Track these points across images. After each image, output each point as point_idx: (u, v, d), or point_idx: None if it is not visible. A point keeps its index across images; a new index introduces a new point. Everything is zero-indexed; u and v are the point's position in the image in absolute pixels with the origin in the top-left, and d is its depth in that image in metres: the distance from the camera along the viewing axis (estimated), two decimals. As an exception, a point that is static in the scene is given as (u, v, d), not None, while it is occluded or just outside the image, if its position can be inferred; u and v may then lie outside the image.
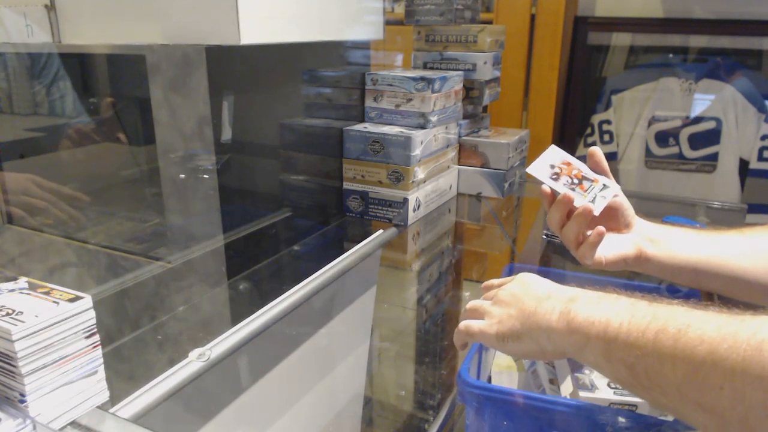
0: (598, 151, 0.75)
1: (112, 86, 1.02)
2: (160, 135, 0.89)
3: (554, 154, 0.77)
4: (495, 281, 0.68)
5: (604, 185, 0.74)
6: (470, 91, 1.24)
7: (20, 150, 1.05)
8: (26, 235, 1.00)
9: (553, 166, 0.76)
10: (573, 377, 0.75)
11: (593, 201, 0.72)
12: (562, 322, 0.53)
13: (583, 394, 0.72)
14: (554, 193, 0.74)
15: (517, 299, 0.59)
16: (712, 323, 0.43)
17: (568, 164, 0.76)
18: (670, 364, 0.44)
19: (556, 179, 0.75)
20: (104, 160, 1.05)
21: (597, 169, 0.75)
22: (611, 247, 0.72)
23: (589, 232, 0.72)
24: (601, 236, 0.70)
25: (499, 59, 1.30)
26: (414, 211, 1.06)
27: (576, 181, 0.74)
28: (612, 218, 0.73)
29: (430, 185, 1.11)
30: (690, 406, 0.44)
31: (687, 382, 0.43)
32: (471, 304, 0.65)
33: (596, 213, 0.71)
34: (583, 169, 0.76)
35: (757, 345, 0.40)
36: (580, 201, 0.72)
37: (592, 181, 0.74)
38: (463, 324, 0.63)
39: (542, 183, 0.75)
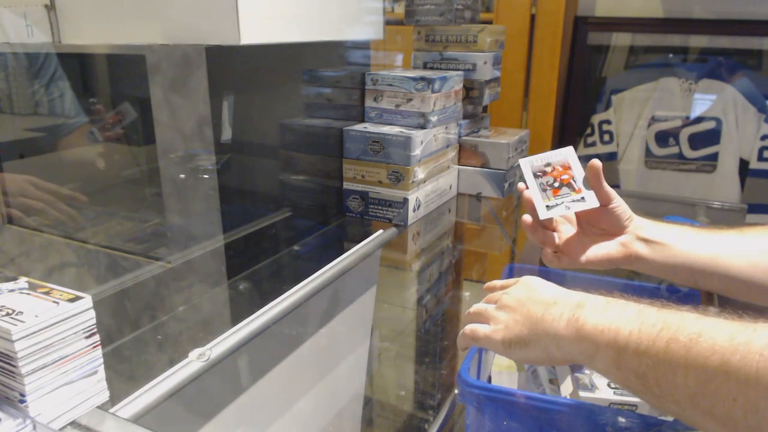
0: (596, 166, 0.72)
1: (112, 86, 1.02)
2: (160, 135, 0.89)
3: (560, 155, 0.77)
4: (497, 283, 0.68)
5: (582, 198, 0.73)
6: (470, 91, 1.24)
7: (20, 150, 1.05)
8: (26, 235, 1.00)
9: (548, 165, 0.76)
10: (573, 377, 0.76)
11: (553, 207, 0.73)
12: (570, 329, 0.53)
13: (583, 394, 0.72)
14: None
15: (523, 304, 0.59)
16: (724, 332, 0.43)
17: (565, 168, 0.76)
18: (683, 374, 0.44)
19: (538, 177, 0.75)
20: (104, 160, 1.05)
21: (591, 181, 0.73)
22: (595, 247, 0.73)
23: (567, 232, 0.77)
24: (552, 252, 0.75)
25: (499, 59, 1.30)
26: (414, 211, 1.06)
27: (556, 185, 0.74)
28: (607, 222, 0.74)
29: (430, 185, 1.11)
30: (702, 414, 0.44)
31: (699, 391, 0.43)
32: (475, 307, 0.65)
33: (542, 217, 0.73)
34: (577, 178, 0.75)
35: None
36: (539, 204, 0.74)
37: (574, 190, 0.74)
38: (469, 328, 0.63)
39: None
